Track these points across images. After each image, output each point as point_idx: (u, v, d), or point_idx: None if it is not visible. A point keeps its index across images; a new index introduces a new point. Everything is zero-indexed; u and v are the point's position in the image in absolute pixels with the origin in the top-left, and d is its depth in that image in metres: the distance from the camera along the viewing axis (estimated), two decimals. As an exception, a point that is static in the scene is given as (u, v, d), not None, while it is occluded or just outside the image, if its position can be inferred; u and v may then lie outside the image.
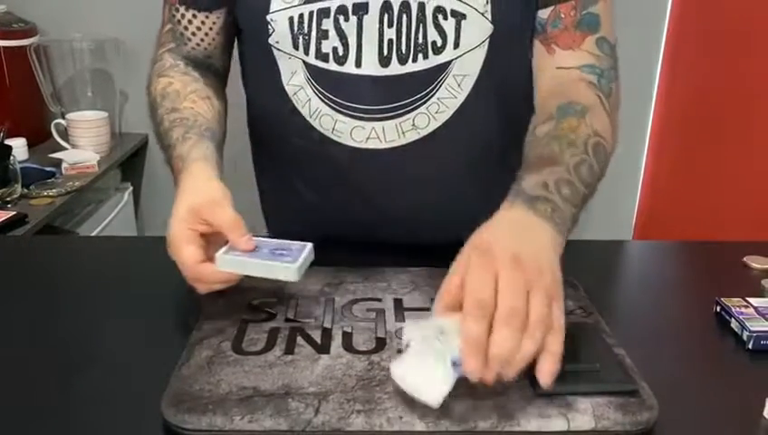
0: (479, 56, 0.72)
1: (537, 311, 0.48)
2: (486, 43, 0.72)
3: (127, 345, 0.63)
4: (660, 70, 1.86)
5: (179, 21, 0.79)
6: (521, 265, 0.50)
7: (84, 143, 1.72)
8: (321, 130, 0.76)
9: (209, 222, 0.60)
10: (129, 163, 1.92)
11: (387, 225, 0.81)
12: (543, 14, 0.73)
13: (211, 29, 0.79)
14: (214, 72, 0.83)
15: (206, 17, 0.78)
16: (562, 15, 0.72)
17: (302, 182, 0.84)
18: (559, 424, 0.49)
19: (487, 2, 0.70)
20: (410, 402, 0.50)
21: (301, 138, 0.78)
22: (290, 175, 0.85)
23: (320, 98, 0.74)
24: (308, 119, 0.76)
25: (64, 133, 1.73)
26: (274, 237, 0.64)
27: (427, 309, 0.65)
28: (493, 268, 0.49)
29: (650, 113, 1.91)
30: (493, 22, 0.70)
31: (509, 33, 0.73)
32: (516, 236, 0.54)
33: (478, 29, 0.71)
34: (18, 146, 1.59)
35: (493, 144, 0.80)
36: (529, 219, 0.56)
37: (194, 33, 0.79)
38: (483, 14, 0.70)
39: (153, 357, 0.60)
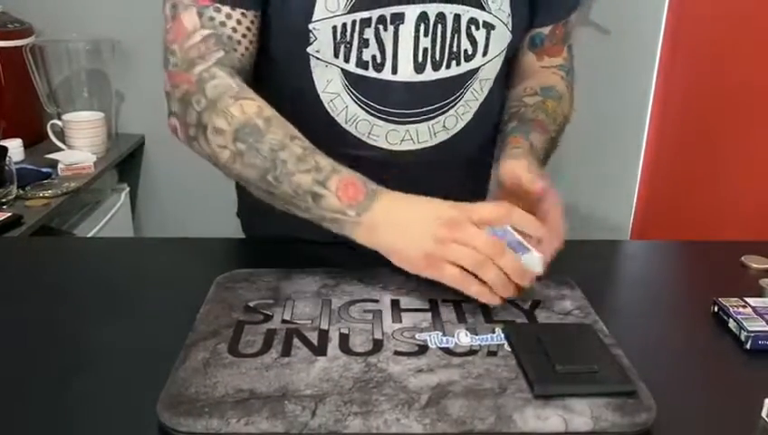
0: (498, 61, 0.81)
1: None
2: (505, 51, 0.81)
3: (123, 347, 0.63)
4: (657, 70, 1.86)
5: (223, 23, 0.70)
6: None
7: (80, 144, 1.72)
8: (357, 135, 0.79)
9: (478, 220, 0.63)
10: (126, 164, 1.91)
11: None
12: (545, 30, 0.86)
13: (257, 31, 0.73)
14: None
15: (255, 17, 0.72)
16: (557, 33, 0.86)
17: None
18: (556, 425, 0.49)
19: (509, 15, 0.78)
20: (407, 404, 0.50)
21: (339, 142, 0.77)
22: None
23: (357, 104, 0.77)
24: (343, 125, 0.78)
25: (60, 134, 1.73)
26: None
27: (425, 310, 0.65)
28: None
29: (647, 114, 1.91)
30: (511, 32, 0.79)
31: (518, 41, 0.84)
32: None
33: (502, 38, 0.79)
34: (14, 147, 1.58)
35: (492, 136, 0.89)
36: (534, 163, 0.74)
37: (244, 36, 0.72)
38: (506, 25, 0.78)
39: (149, 359, 0.59)
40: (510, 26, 0.78)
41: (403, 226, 0.64)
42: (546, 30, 0.86)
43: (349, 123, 0.78)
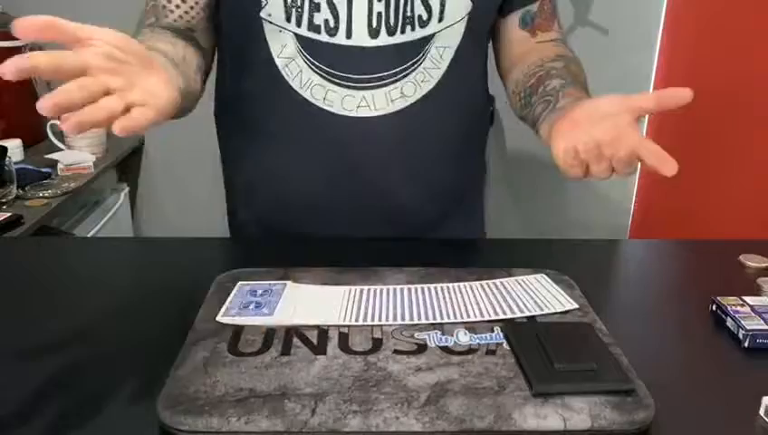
0: (458, 29, 0.80)
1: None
2: (466, 18, 0.80)
3: (122, 347, 0.63)
4: (656, 69, 1.87)
5: None
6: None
7: (80, 144, 1.72)
8: (312, 101, 0.80)
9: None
10: (125, 164, 1.91)
11: (375, 194, 0.85)
12: (534, 7, 0.87)
13: (193, 6, 0.80)
14: (197, 46, 0.82)
15: None
16: (545, 8, 0.87)
17: (290, 156, 0.85)
18: (555, 424, 0.49)
19: None
20: (407, 402, 0.50)
21: (290, 110, 0.81)
22: (276, 151, 0.86)
23: (311, 69, 0.78)
24: (299, 90, 0.80)
25: (60, 134, 1.73)
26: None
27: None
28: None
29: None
30: (472, 1, 0.79)
31: (485, 12, 0.83)
32: None
33: (460, 4, 0.79)
34: (13, 147, 1.58)
35: (466, 113, 0.89)
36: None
37: (177, 6, 0.80)
38: None
39: (149, 358, 0.60)
40: None
41: None
42: (534, 6, 0.86)
43: (304, 88, 0.79)
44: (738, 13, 1.52)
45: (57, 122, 1.73)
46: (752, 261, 0.80)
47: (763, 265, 0.80)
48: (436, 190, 0.89)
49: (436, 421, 0.49)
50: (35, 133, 1.77)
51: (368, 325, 0.61)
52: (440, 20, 0.78)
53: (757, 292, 0.73)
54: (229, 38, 0.84)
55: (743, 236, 0.88)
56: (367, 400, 0.51)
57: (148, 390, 0.52)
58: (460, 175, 0.93)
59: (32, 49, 1.93)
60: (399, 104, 0.80)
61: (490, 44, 0.92)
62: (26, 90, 1.75)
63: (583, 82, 0.80)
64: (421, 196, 0.88)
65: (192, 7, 0.80)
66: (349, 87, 0.79)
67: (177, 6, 0.80)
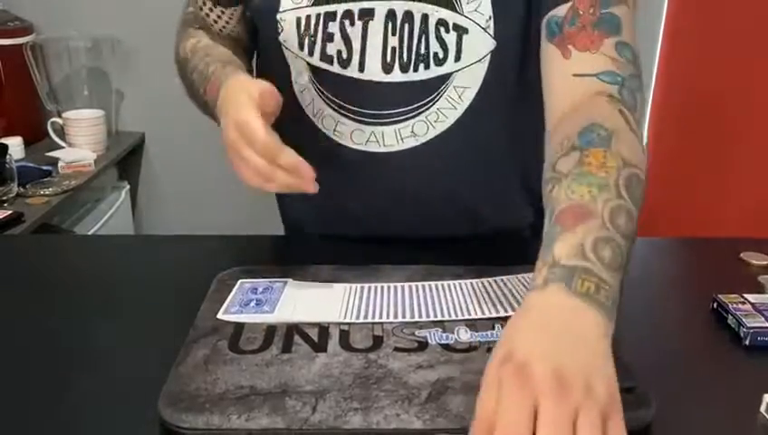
0: (481, 70, 0.73)
1: None
2: (488, 57, 0.72)
3: (124, 344, 0.63)
4: (658, 63, 1.86)
5: (201, 8, 0.82)
6: (565, 386, 0.40)
7: (81, 142, 1.72)
8: (324, 130, 0.78)
9: (275, 102, 0.64)
10: (126, 162, 1.92)
11: (383, 224, 0.81)
12: (560, 11, 0.67)
13: (229, 21, 0.82)
14: (243, 47, 0.84)
15: (222, 12, 0.81)
16: (581, 12, 0.66)
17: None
18: (556, 421, 0.49)
19: (489, 18, 0.71)
20: (407, 400, 0.50)
21: (306, 135, 0.78)
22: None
23: (322, 99, 0.76)
24: (312, 118, 0.78)
25: (61, 132, 1.73)
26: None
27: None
28: (531, 393, 0.40)
29: (647, 109, 1.91)
30: (495, 37, 0.71)
31: (513, 45, 0.72)
32: (556, 339, 0.43)
33: (480, 44, 0.72)
34: (14, 145, 1.58)
35: (493, 155, 0.80)
36: (570, 306, 0.45)
37: (215, 21, 0.82)
38: (485, 30, 0.71)
39: (150, 356, 0.60)
40: (491, 31, 0.71)
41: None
42: (562, 9, 0.67)
43: (316, 117, 0.78)
44: (742, 7, 1.52)
45: (58, 120, 1.74)
46: (753, 259, 0.80)
47: (765, 262, 0.79)
48: (446, 229, 0.82)
49: (437, 419, 0.49)
50: (36, 131, 1.78)
51: (368, 323, 0.61)
52: (457, 59, 0.72)
53: (759, 289, 0.72)
54: (262, 54, 0.84)
55: (744, 234, 0.88)
56: (367, 397, 0.51)
57: (148, 387, 0.52)
58: (477, 215, 0.83)
59: (32, 47, 1.92)
60: (410, 143, 0.76)
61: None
62: (27, 88, 1.76)
63: (595, 190, 0.52)
64: (431, 228, 0.81)
65: (228, 23, 0.82)
66: (358, 121, 0.76)
67: (215, 21, 0.82)
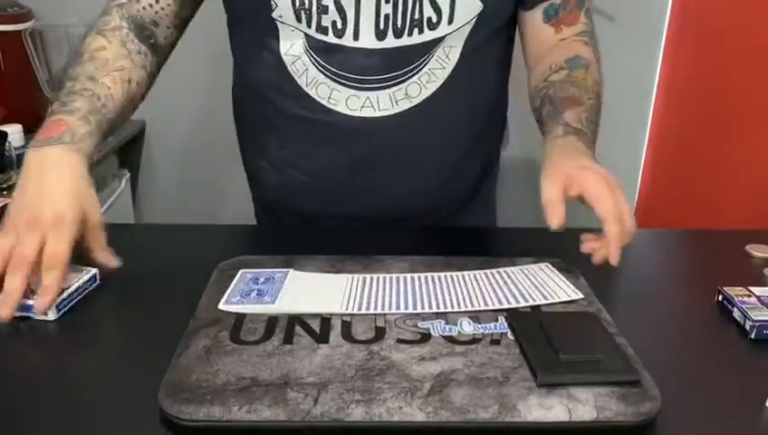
0: (466, 31, 0.78)
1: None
2: (475, 19, 0.78)
3: (124, 334, 0.62)
4: (662, 58, 1.85)
5: None
6: (596, 168, 0.67)
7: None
8: (317, 99, 0.80)
9: (89, 224, 0.69)
10: (126, 150, 1.90)
11: (377, 194, 0.85)
12: (558, 0, 0.82)
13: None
14: (153, 47, 0.81)
15: None
16: (570, 0, 0.83)
17: (296, 150, 0.86)
18: (560, 415, 0.49)
19: None
20: (410, 392, 0.49)
21: (296, 106, 0.81)
22: (283, 146, 0.86)
23: (317, 68, 0.78)
24: (304, 88, 0.80)
25: (61, 120, 1.72)
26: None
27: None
28: (601, 179, 0.65)
29: (651, 101, 1.90)
30: (482, 1, 0.77)
31: (496, 13, 0.80)
32: (581, 155, 0.70)
33: (471, 6, 0.77)
34: (14, 132, 1.57)
35: (476, 111, 0.87)
36: (579, 145, 0.71)
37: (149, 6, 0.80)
38: None
39: (150, 346, 0.59)
40: None
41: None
42: None
43: (309, 86, 0.80)
44: (743, 6, 1.50)
45: (58, 108, 1.72)
46: (758, 251, 0.79)
47: (770, 255, 0.79)
48: (441, 188, 0.88)
49: (440, 411, 0.48)
50: (36, 118, 1.75)
51: (371, 314, 0.61)
52: (450, 22, 0.76)
53: (764, 282, 0.72)
54: (241, 35, 0.85)
55: (749, 227, 0.88)
56: (370, 389, 0.50)
57: (149, 378, 0.52)
58: (469, 171, 0.91)
59: (31, 33, 1.90)
60: (404, 105, 0.80)
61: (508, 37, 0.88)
62: (26, 75, 1.74)
63: (580, 91, 0.77)
64: (425, 193, 0.87)
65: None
66: (353, 87, 0.78)
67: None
